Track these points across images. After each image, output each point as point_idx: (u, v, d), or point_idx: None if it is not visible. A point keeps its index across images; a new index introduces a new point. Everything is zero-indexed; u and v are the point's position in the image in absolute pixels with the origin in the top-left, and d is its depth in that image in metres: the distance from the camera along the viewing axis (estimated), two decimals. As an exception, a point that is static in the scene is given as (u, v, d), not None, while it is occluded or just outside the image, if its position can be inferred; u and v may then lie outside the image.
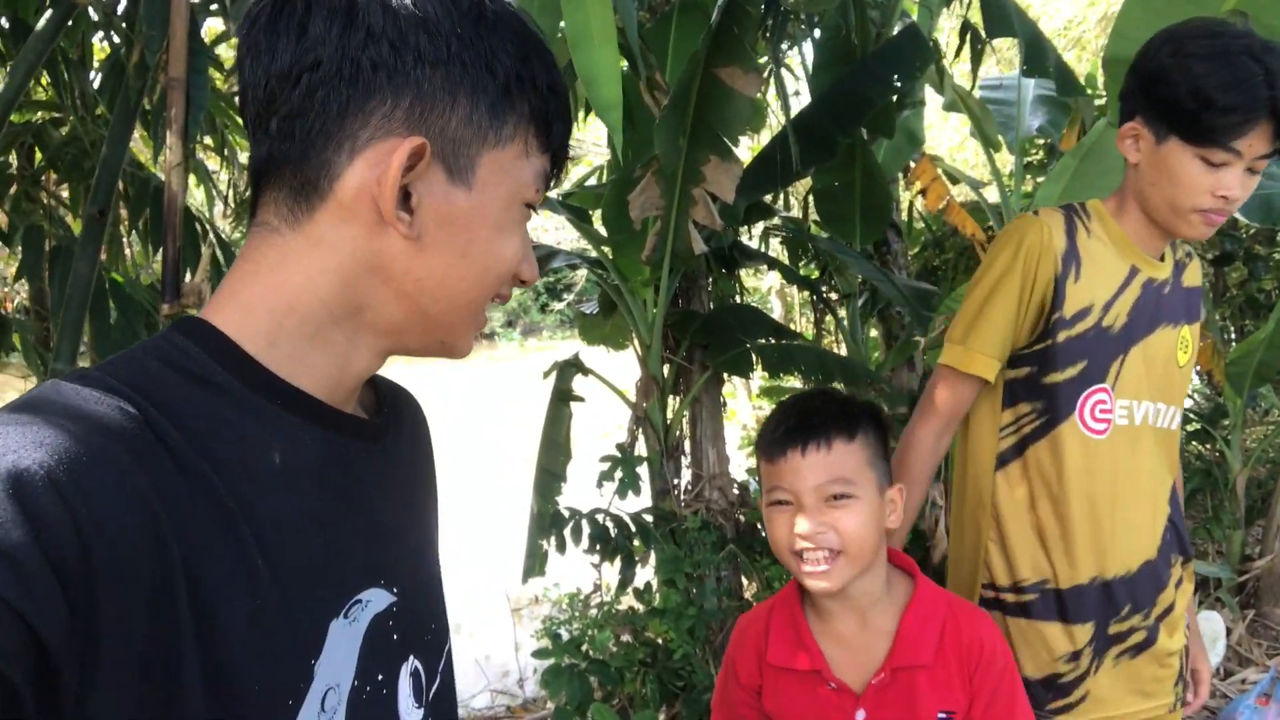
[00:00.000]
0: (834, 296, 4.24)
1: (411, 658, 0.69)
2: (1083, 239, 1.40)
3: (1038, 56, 2.21)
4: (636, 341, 3.31)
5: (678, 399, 3.38)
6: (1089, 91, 3.66)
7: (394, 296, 0.64)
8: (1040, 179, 4.50)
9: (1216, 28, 1.30)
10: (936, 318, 2.85)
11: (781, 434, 1.20)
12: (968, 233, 4.17)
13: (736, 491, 3.46)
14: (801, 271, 4.38)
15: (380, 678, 0.64)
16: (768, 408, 6.49)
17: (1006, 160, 4.19)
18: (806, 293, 4.70)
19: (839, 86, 3.18)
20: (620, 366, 3.80)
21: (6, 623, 0.43)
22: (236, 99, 0.70)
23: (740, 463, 5.47)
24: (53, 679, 0.45)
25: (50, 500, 0.46)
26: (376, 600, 0.65)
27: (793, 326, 7.24)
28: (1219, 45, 1.26)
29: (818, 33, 3.59)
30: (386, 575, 0.67)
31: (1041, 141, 4.58)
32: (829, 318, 4.46)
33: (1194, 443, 3.82)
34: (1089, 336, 1.38)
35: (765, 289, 8.20)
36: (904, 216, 4.48)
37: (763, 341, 3.44)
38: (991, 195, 4.59)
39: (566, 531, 2.79)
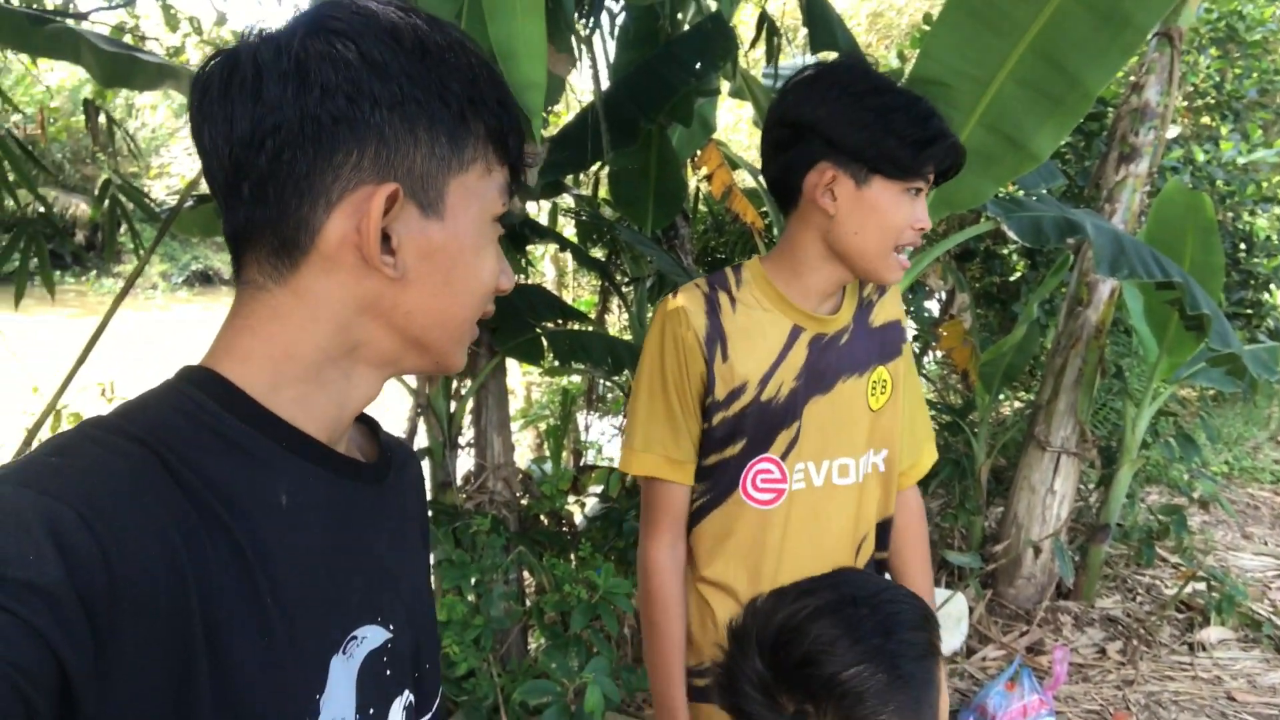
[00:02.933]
0: (620, 278, 4.19)
1: (406, 692, 0.71)
2: (727, 314, 1.34)
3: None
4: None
5: (462, 385, 3.20)
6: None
7: (387, 331, 0.66)
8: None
9: (865, 67, 1.32)
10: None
11: None
12: (748, 219, 4.26)
13: (520, 480, 3.34)
14: (589, 251, 4.29)
15: (372, 711, 0.66)
16: (539, 378, 6.38)
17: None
18: (590, 270, 4.63)
19: (643, 70, 3.09)
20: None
21: (38, 653, 0.46)
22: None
23: (524, 451, 5.34)
24: (73, 707, 0.48)
25: (83, 538, 0.49)
26: (372, 637, 0.67)
27: (567, 295, 7.17)
28: (877, 79, 1.27)
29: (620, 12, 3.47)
30: (383, 612, 0.69)
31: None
32: (612, 297, 4.41)
33: (946, 434, 4.15)
34: (748, 414, 1.34)
35: (539, 254, 8.07)
36: (690, 200, 4.50)
37: (552, 326, 3.33)
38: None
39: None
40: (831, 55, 2.37)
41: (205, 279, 18.51)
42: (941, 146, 1.26)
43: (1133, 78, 3.82)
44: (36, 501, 0.49)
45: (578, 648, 2.35)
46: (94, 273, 19.15)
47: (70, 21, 2.92)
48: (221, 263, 18.65)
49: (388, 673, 0.69)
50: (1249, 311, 6.83)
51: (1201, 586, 3.76)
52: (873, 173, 1.25)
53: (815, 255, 1.32)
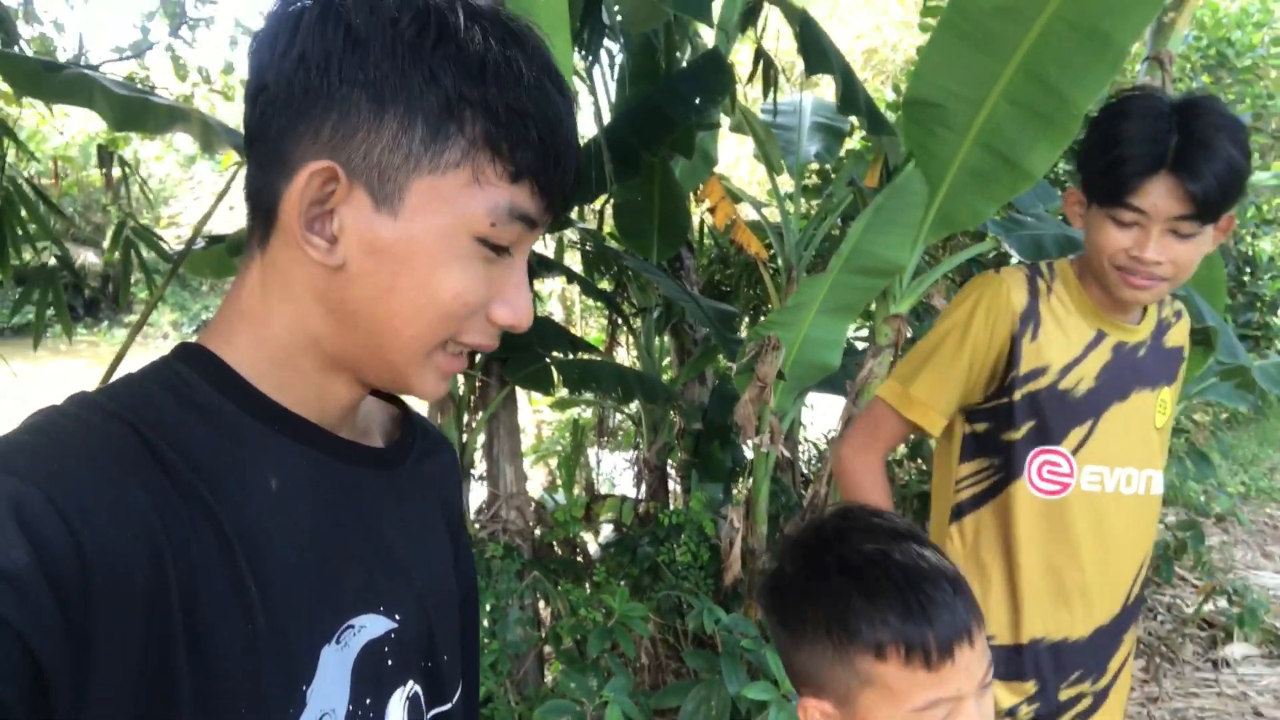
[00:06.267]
0: (628, 309, 4.24)
1: (410, 683, 0.68)
2: (1044, 299, 1.39)
3: (851, 95, 2.29)
4: (431, 355, 3.12)
5: (475, 416, 3.23)
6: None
7: (337, 326, 0.62)
8: (816, 202, 4.75)
9: (1139, 91, 1.31)
10: (748, 343, 2.89)
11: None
12: (752, 250, 4.32)
13: (533, 509, 3.36)
14: (596, 283, 4.35)
15: (369, 701, 0.64)
16: (549, 414, 6.41)
17: (785, 182, 4.39)
18: (596, 301, 4.69)
19: (644, 104, 3.17)
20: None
21: (4, 641, 0.44)
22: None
23: (535, 486, 5.36)
24: (47, 696, 0.46)
25: (51, 521, 0.47)
26: (372, 626, 0.65)
27: (574, 332, 7.21)
28: (1129, 106, 1.26)
29: (619, 52, 3.56)
30: (387, 602, 0.66)
31: (816, 167, 4.84)
32: (621, 329, 4.46)
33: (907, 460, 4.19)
34: (1041, 396, 1.37)
35: (546, 293, 8.15)
36: (694, 233, 4.57)
37: (560, 356, 3.37)
38: (773, 215, 4.79)
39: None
40: (827, 79, 2.44)
41: (216, 329, 18.72)
42: (1130, 174, 1.24)
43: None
44: (3, 483, 0.47)
45: (595, 671, 2.36)
46: (105, 323, 19.36)
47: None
48: (231, 312, 18.80)
49: (389, 663, 0.66)
50: (1257, 334, 6.85)
51: (1224, 604, 3.74)
52: (1090, 197, 1.31)
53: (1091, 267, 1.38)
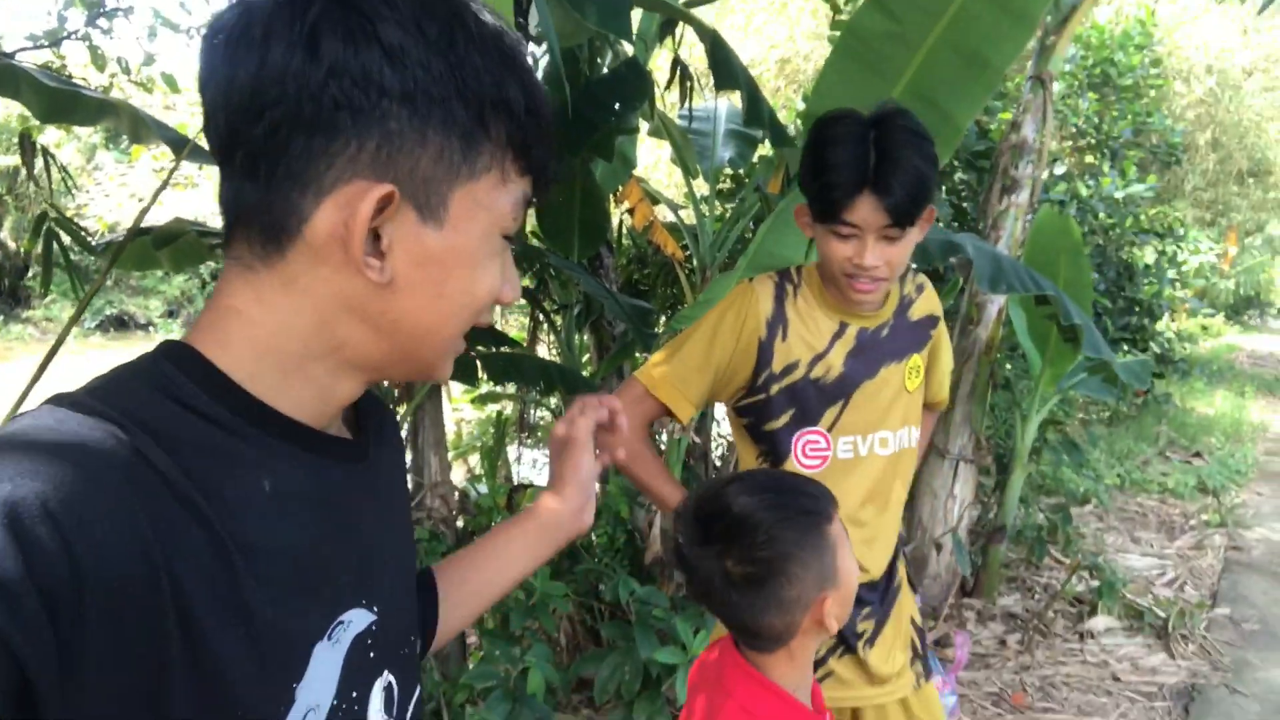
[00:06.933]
0: (549, 305, 4.38)
1: (386, 673, 0.69)
2: (790, 302, 1.57)
3: (755, 110, 2.49)
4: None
5: (399, 407, 3.33)
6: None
7: (372, 335, 0.62)
8: (730, 205, 4.96)
9: (839, 114, 1.46)
10: (662, 335, 3.07)
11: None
12: (669, 251, 4.51)
13: (457, 498, 3.48)
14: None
15: (354, 694, 0.65)
16: (468, 411, 6.50)
17: (701, 186, 4.60)
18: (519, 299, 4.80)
19: (566, 109, 3.32)
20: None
21: None
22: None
23: (456, 475, 5.44)
24: (33, 705, 0.45)
25: (44, 530, 0.46)
26: (358, 620, 0.65)
27: (496, 327, 7.27)
28: (834, 132, 1.43)
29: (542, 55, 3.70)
30: (369, 595, 0.67)
31: (730, 172, 5.06)
32: (543, 325, 4.59)
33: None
34: (798, 387, 1.56)
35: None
36: (614, 233, 4.73)
37: (484, 349, 3.49)
38: (687, 216, 4.99)
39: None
40: (735, 95, 2.64)
41: (120, 323, 18.06)
42: (839, 196, 1.42)
43: (1013, 117, 4.23)
44: None
45: (517, 646, 2.51)
46: (0, 318, 18.49)
47: None
48: (136, 307, 18.15)
49: (372, 655, 0.67)
50: (1135, 335, 7.34)
51: (1094, 584, 4.09)
52: (813, 215, 1.49)
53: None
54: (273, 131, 0.56)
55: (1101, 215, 6.68)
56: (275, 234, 0.59)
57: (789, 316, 1.56)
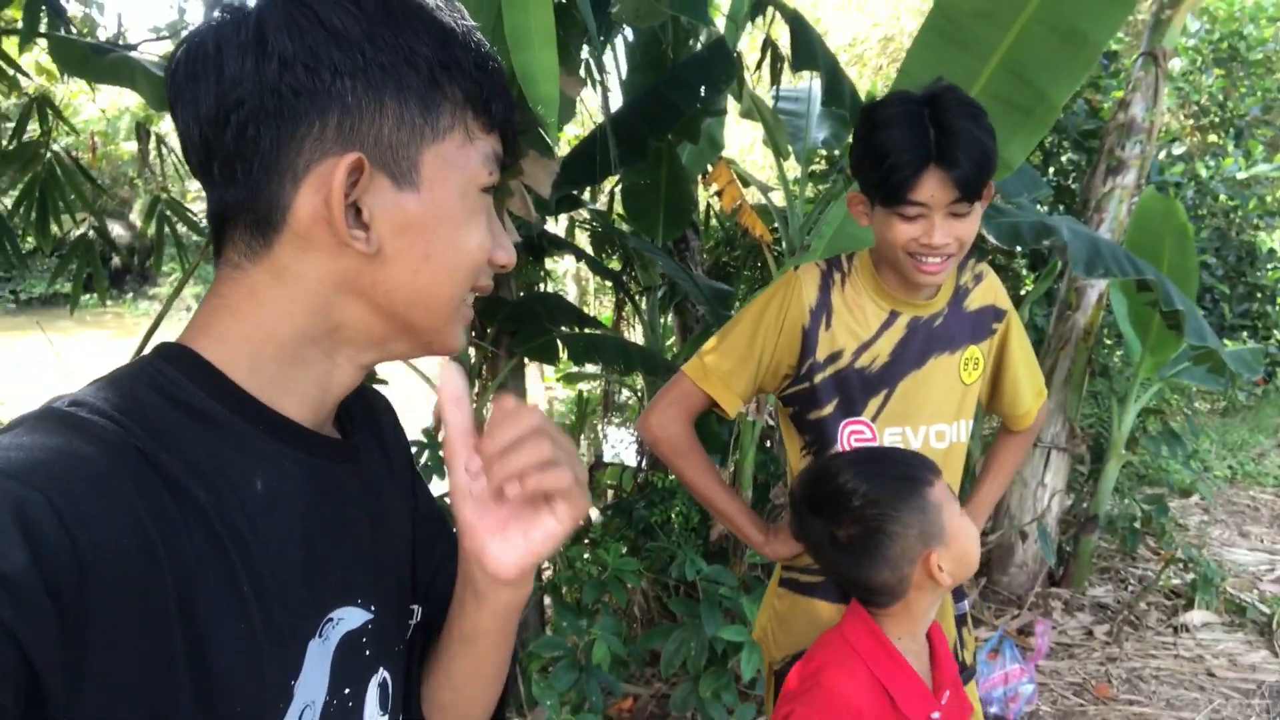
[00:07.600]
0: (634, 287, 4.42)
1: (381, 669, 0.70)
2: (836, 291, 1.55)
3: (836, 89, 2.46)
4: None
5: (484, 385, 3.44)
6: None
7: (369, 310, 0.64)
8: (823, 186, 4.90)
9: (888, 98, 1.44)
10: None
11: None
12: (757, 234, 4.49)
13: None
14: (605, 263, 4.53)
15: (348, 691, 0.66)
16: (561, 390, 6.63)
17: (793, 168, 4.55)
18: (606, 281, 4.87)
19: (652, 93, 3.34)
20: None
21: (1, 644, 0.45)
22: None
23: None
24: (42, 698, 0.47)
25: (51, 526, 0.47)
26: (350, 618, 0.66)
27: (588, 310, 7.40)
28: (887, 116, 1.39)
29: (630, 37, 3.73)
30: (363, 593, 0.68)
31: (824, 153, 4.99)
32: (628, 307, 4.64)
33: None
34: (843, 375, 1.54)
35: (561, 273, 8.33)
36: (701, 215, 4.74)
37: (567, 330, 3.56)
38: (778, 199, 4.95)
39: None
40: (815, 75, 2.61)
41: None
42: (905, 176, 1.37)
43: (1123, 95, 4.04)
44: (3, 486, 0.47)
45: (588, 617, 2.57)
46: (130, 295, 19.72)
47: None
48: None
49: (366, 653, 0.68)
50: (1256, 323, 6.94)
51: (1192, 577, 3.92)
52: (873, 200, 1.46)
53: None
54: (241, 132, 0.58)
55: (1223, 197, 6.33)
56: (262, 229, 0.61)
57: (834, 304, 1.55)
